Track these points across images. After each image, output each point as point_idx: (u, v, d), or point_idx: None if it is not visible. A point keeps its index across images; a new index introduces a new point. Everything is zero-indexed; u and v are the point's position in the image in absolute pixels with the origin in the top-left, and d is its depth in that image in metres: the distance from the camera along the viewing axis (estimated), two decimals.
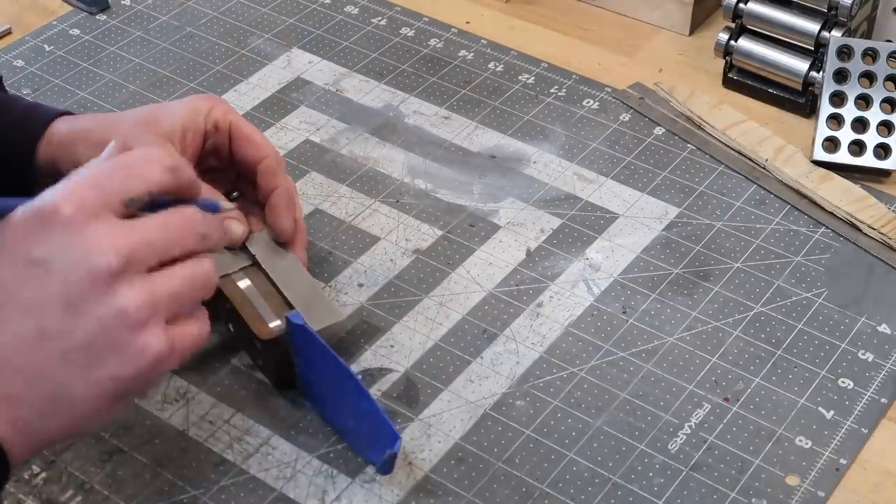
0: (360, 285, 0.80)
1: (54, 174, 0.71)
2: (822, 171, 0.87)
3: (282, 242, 0.75)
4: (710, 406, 0.72)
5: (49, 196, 0.57)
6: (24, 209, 0.57)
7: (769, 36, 0.94)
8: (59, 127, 0.74)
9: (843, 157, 0.88)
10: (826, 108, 0.89)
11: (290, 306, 0.72)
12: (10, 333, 0.56)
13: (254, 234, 0.75)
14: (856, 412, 0.72)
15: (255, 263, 0.74)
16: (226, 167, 0.78)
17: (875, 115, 0.88)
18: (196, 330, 0.60)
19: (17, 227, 0.57)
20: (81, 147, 0.73)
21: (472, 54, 0.99)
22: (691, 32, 1.02)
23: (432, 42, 1.00)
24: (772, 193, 0.86)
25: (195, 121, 0.75)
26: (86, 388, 0.56)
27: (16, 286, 0.56)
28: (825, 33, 0.90)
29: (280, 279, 0.74)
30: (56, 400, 0.56)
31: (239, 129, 0.76)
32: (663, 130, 0.92)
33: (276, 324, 0.71)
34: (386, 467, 0.68)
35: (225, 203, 0.65)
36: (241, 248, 0.75)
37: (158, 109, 0.76)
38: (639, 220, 0.84)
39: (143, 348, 0.57)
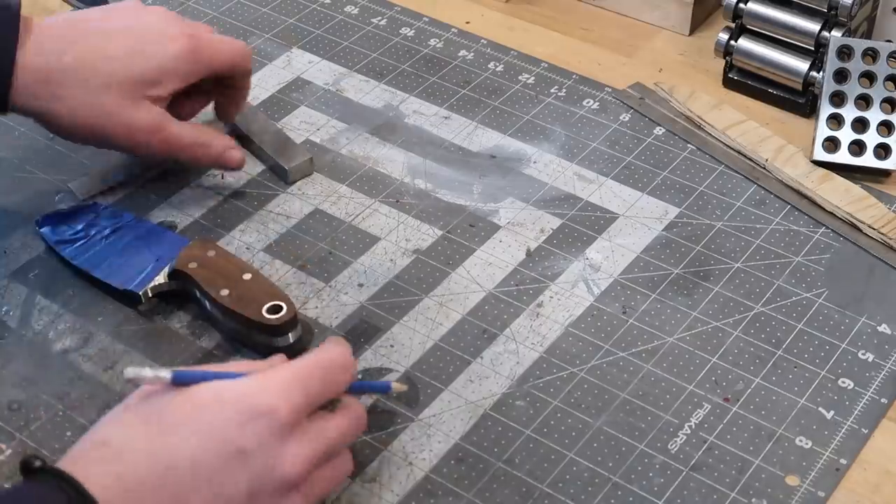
0: (360, 285, 0.80)
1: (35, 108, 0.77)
2: (822, 171, 0.87)
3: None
4: (710, 406, 0.72)
5: (258, 388, 0.60)
6: (237, 396, 0.59)
7: (769, 36, 0.94)
8: (31, 63, 0.75)
9: (843, 157, 0.88)
10: (826, 108, 0.89)
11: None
12: None
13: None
14: (856, 412, 0.72)
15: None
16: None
17: (875, 115, 0.88)
18: (334, 473, 0.63)
19: (228, 410, 0.59)
20: (58, 88, 0.76)
21: (472, 54, 0.99)
22: (691, 32, 1.02)
23: (432, 42, 1.00)
24: (772, 193, 0.86)
25: (185, 76, 0.81)
26: None
27: (214, 468, 0.58)
28: (825, 33, 0.90)
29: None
30: None
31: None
32: (663, 130, 0.92)
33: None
34: None
35: (395, 384, 0.68)
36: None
37: (139, 60, 0.79)
38: (639, 220, 0.84)
39: None
